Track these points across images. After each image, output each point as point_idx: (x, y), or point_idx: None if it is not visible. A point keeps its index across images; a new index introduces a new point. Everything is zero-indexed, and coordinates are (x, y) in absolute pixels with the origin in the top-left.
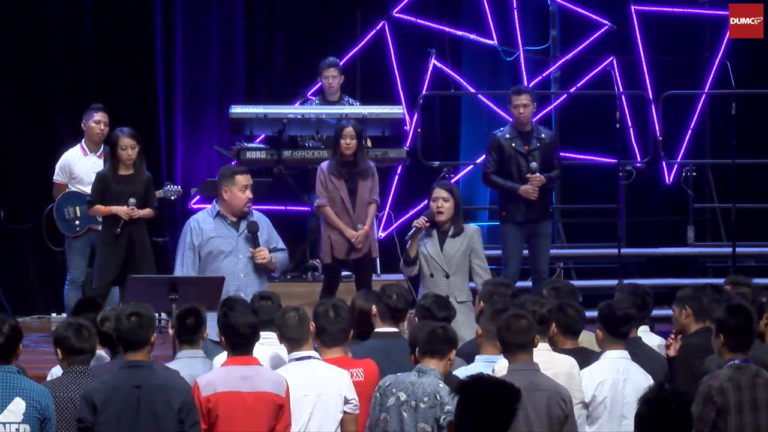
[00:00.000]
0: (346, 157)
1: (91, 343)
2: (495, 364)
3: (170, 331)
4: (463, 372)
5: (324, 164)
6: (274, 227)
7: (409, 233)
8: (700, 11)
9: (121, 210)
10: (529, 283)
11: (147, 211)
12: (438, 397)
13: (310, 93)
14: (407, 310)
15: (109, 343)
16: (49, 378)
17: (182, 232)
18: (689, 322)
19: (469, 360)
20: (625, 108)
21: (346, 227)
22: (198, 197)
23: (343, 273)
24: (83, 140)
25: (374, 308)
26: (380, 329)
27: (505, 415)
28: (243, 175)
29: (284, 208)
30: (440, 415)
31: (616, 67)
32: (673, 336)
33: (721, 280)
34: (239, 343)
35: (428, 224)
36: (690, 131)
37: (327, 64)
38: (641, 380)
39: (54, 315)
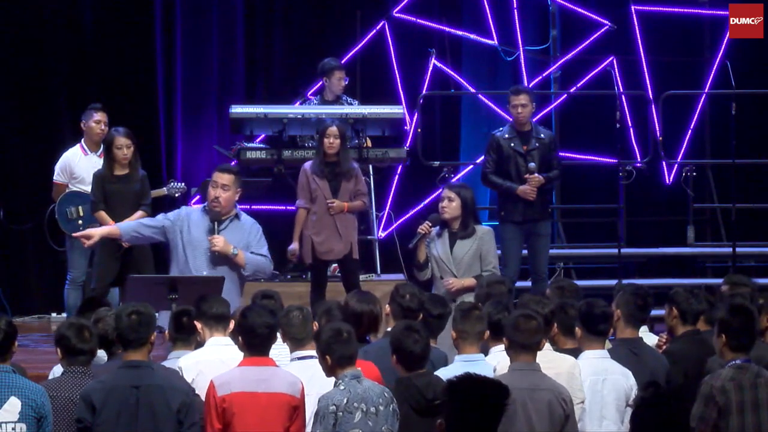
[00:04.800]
0: (329, 157)
1: (91, 344)
2: (497, 364)
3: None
4: (443, 372)
5: (307, 164)
6: (265, 234)
7: (413, 240)
8: (700, 11)
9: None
10: (529, 283)
11: (138, 215)
12: (386, 395)
13: (310, 93)
14: (420, 310)
15: (104, 343)
16: (51, 377)
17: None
18: (676, 324)
19: None
20: (625, 108)
21: (297, 236)
22: (198, 197)
23: (338, 272)
24: (83, 140)
25: (387, 308)
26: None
27: (494, 413)
28: (217, 173)
29: (284, 208)
30: (395, 409)
31: (616, 67)
32: (663, 336)
33: (720, 281)
34: (255, 344)
35: (432, 229)
36: (690, 131)
37: (334, 67)
38: (620, 379)
39: (54, 315)
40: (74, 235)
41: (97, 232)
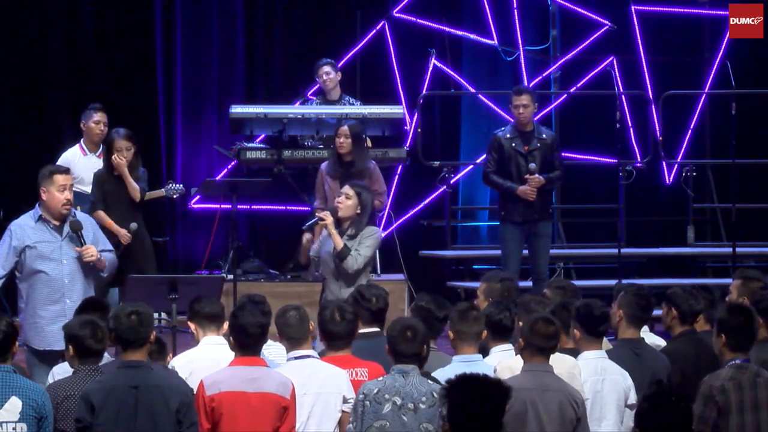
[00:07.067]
0: (343, 157)
1: (104, 344)
2: (498, 364)
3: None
4: (441, 374)
5: (323, 165)
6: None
7: (306, 224)
8: (700, 11)
9: (121, 233)
10: (529, 283)
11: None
12: (435, 395)
13: (310, 93)
14: (386, 308)
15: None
16: (50, 379)
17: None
18: (674, 324)
19: None
20: (625, 108)
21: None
22: (198, 197)
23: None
24: (82, 140)
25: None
26: (363, 330)
27: (495, 411)
28: (62, 175)
29: (284, 208)
30: (443, 410)
31: (616, 67)
32: None
33: (720, 280)
34: (247, 344)
35: (328, 218)
36: (690, 131)
37: (320, 65)
38: (619, 380)
39: None
40: None
41: None
